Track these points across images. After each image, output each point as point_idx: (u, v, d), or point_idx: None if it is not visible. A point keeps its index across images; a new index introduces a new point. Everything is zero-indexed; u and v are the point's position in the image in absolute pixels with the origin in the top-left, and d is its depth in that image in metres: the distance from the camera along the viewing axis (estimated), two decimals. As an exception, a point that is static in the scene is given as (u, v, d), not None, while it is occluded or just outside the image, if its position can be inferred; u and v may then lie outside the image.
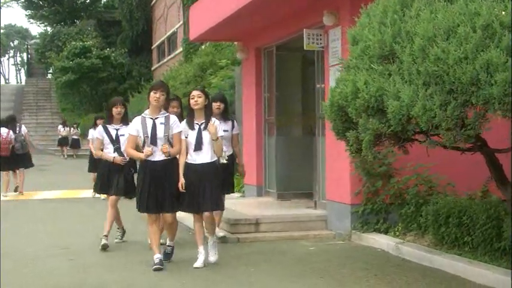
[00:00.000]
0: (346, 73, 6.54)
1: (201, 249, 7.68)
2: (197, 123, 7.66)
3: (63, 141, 33.20)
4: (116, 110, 9.22)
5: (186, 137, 7.63)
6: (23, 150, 16.13)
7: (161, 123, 7.57)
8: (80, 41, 39.48)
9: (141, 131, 7.59)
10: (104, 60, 38.74)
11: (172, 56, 35.67)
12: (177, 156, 7.64)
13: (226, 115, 9.17)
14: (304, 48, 9.91)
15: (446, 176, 8.84)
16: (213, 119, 7.83)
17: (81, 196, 16.45)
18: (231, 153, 9.02)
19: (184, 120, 7.82)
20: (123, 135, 8.92)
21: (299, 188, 12.17)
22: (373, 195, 9.21)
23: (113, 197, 9.14)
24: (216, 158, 7.72)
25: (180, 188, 7.52)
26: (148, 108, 7.73)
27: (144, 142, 7.59)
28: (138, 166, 8.62)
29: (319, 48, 9.96)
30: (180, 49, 32.84)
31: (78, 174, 23.67)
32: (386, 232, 8.95)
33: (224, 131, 8.45)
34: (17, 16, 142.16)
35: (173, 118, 7.71)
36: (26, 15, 50.18)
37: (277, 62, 12.57)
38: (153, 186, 7.52)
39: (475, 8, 5.40)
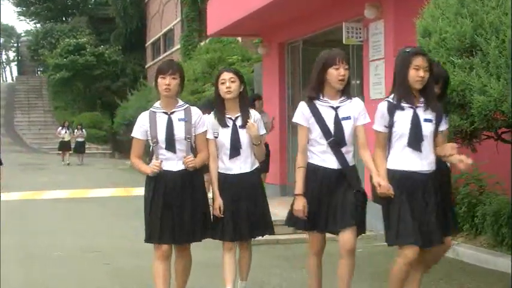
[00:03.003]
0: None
1: None
2: (230, 118, 5.49)
3: (65, 146, 28.20)
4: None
5: (216, 137, 5.48)
6: None
7: (180, 120, 5.31)
8: (73, 38, 39.04)
9: (149, 133, 5.33)
10: (98, 58, 38.31)
11: (168, 53, 35.17)
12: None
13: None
14: (344, 42, 9.56)
15: (495, 175, 8.53)
16: (253, 112, 5.60)
17: (91, 196, 16.03)
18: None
19: (211, 113, 5.58)
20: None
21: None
22: (418, 194, 8.88)
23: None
24: (257, 165, 5.64)
25: (218, 212, 5.45)
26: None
27: (154, 148, 5.34)
28: None
29: (358, 42, 9.62)
30: (177, 46, 32.42)
31: (79, 174, 23.39)
32: (434, 233, 8.62)
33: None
34: (3, 14, 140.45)
35: (196, 112, 5.42)
36: (17, 12, 49.62)
37: (303, 58, 12.23)
38: (167, 207, 5.27)
39: None
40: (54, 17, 46.08)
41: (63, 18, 46.97)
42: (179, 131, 5.27)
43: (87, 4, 46.78)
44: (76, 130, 28.78)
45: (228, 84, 5.40)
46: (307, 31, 11.56)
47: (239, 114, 5.50)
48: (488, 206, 7.71)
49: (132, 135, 5.42)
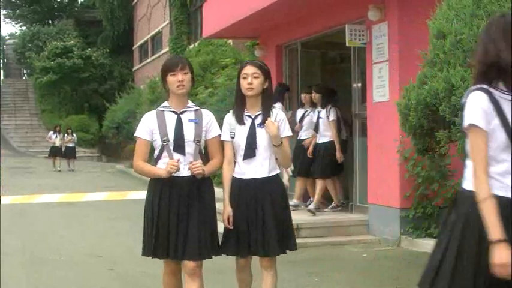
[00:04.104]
0: (430, 69, 6.14)
1: None
2: (249, 116, 4.90)
3: (56, 151, 26.58)
4: None
5: (233, 137, 4.90)
6: None
7: (190, 121, 4.83)
8: (60, 41, 38.79)
9: (157, 132, 4.81)
10: (85, 61, 38.08)
11: (157, 55, 34.96)
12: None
13: None
14: (346, 44, 9.48)
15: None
16: (276, 110, 4.97)
17: (85, 200, 15.80)
18: None
19: (230, 111, 5.07)
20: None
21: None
22: (422, 198, 8.82)
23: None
24: (278, 171, 4.93)
25: (226, 223, 4.86)
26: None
27: (162, 149, 4.80)
28: None
29: (361, 44, 9.52)
30: (165, 49, 32.26)
31: (69, 177, 23.15)
32: (440, 237, 8.56)
33: None
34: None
35: (207, 114, 4.96)
36: (3, 14, 49.35)
37: (301, 60, 12.13)
38: (173, 217, 4.70)
39: None
40: (40, 19, 45.74)
41: (50, 21, 46.66)
42: (189, 133, 4.78)
43: (74, 7, 46.52)
44: (66, 135, 27.14)
45: (250, 80, 4.80)
46: (307, 33, 11.45)
47: (260, 112, 4.89)
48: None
49: (136, 135, 4.89)
